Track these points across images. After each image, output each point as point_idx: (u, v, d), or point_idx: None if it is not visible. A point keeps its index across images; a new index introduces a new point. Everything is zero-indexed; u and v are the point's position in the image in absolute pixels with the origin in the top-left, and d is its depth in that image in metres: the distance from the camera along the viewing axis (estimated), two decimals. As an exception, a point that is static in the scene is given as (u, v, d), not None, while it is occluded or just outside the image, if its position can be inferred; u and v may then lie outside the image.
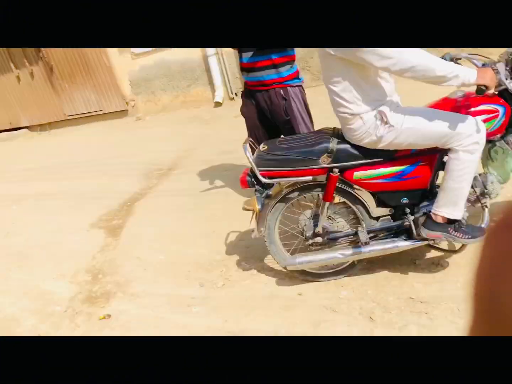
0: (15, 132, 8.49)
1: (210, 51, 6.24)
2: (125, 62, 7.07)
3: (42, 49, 7.40)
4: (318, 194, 2.39)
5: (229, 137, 5.13)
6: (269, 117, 3.08)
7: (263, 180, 2.30)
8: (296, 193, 2.39)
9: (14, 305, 3.00)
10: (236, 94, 6.50)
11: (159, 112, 7.20)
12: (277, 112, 3.01)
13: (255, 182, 2.39)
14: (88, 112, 7.74)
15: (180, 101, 6.99)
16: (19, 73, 7.93)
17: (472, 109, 2.12)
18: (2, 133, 8.58)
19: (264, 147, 2.37)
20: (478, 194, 2.22)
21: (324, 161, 2.19)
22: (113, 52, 7.07)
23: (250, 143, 2.51)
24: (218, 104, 6.50)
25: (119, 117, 7.51)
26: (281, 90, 2.96)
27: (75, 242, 3.69)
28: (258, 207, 2.38)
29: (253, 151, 2.41)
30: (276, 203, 2.42)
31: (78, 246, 3.61)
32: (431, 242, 2.31)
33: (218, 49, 6.27)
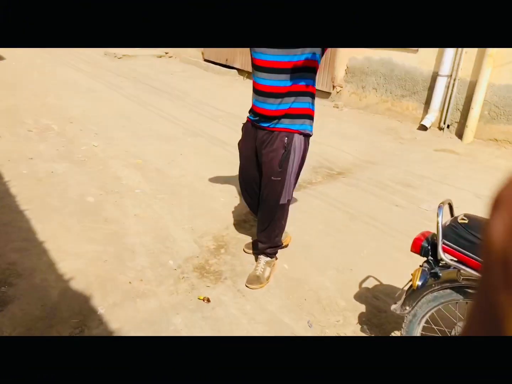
0: (226, 69, 8.91)
1: (444, 70, 5.53)
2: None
3: None
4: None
5: (417, 170, 4.53)
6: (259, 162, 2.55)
7: (443, 256, 1.81)
8: (469, 291, 1.84)
9: (137, 236, 3.02)
10: (448, 127, 5.73)
11: (359, 108, 6.78)
12: (271, 160, 2.44)
13: (430, 253, 1.91)
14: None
15: (385, 107, 6.46)
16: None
17: None
18: (216, 66, 9.09)
19: (464, 220, 1.85)
20: None
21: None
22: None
23: (449, 205, 2.01)
24: (423, 128, 5.82)
25: (319, 96, 7.29)
26: (286, 137, 2.40)
27: (218, 201, 3.61)
28: (418, 282, 1.90)
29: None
30: (441, 290, 1.90)
31: (219, 207, 3.52)
32: None
33: (454, 71, 5.52)
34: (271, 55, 2.26)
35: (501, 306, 0.33)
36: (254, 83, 2.42)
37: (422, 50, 5.85)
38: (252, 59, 2.38)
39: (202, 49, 9.69)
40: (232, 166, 4.30)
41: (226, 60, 9.01)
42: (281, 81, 2.29)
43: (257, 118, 2.46)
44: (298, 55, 2.24)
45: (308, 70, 2.31)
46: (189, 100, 6.76)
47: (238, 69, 8.82)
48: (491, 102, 5.29)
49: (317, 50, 2.28)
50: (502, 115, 5.24)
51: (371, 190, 4.05)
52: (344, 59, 6.90)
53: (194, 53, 9.98)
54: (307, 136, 2.49)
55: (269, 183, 2.47)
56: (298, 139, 2.41)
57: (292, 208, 3.66)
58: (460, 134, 5.56)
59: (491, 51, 5.07)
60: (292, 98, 2.34)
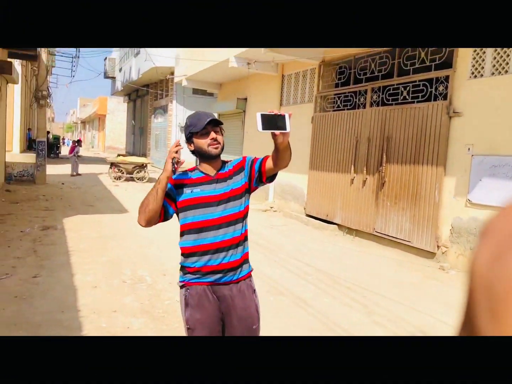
0: (326, 224, 8.94)
1: None
2: (456, 206, 6.36)
3: (384, 163, 7.53)
4: None
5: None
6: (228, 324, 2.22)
7: None
8: None
9: None
10: None
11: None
12: (249, 311, 2.19)
13: None
14: (396, 238, 7.35)
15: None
16: (355, 177, 8.33)
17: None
18: (316, 221, 9.18)
19: None
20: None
21: None
22: (447, 192, 6.50)
23: None
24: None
25: (424, 256, 6.81)
26: (250, 281, 2.26)
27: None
28: None
29: None
30: None
31: None
32: None
33: None
34: (216, 210, 2.19)
35: (484, 331, 0.35)
36: (202, 246, 2.17)
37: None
38: (191, 224, 2.20)
39: (304, 204, 9.98)
40: (312, 332, 3.96)
41: (327, 215, 9.08)
42: (236, 231, 2.20)
43: (218, 276, 2.18)
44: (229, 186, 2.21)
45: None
46: (282, 254, 6.74)
47: (338, 225, 8.78)
48: None
49: (245, 177, 2.23)
50: None
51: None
52: (448, 218, 6.51)
53: (296, 208, 10.29)
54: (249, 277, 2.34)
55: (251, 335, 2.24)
56: (250, 282, 2.30)
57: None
58: None
59: None
60: (246, 241, 2.28)
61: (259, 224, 9.22)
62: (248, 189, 2.26)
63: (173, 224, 2.55)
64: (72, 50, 23.09)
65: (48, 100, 17.99)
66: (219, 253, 2.16)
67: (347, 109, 8.79)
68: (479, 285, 0.35)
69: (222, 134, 2.24)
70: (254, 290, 2.28)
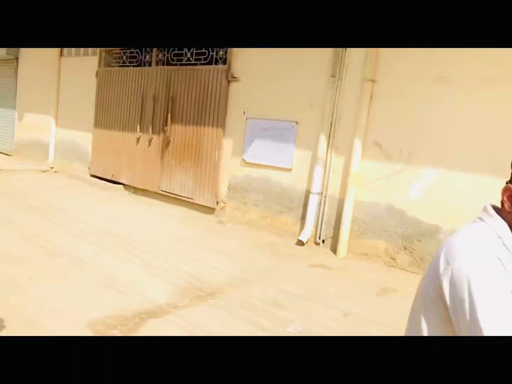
0: (111, 184, 8.69)
1: (315, 188, 5.79)
2: (233, 165, 6.92)
3: (169, 123, 7.65)
4: None
5: (289, 287, 4.40)
6: None
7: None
8: None
9: None
10: (323, 241, 5.85)
11: (242, 223, 6.78)
12: None
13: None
14: (180, 196, 7.63)
15: (266, 222, 6.53)
16: (141, 136, 8.25)
17: None
18: (102, 181, 8.84)
19: None
20: None
21: None
22: (227, 152, 7.01)
23: None
24: (300, 243, 5.88)
25: (205, 212, 7.26)
26: None
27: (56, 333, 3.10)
28: None
29: None
30: None
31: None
32: None
33: (324, 189, 5.80)
34: None
35: None
36: None
37: (295, 169, 6.15)
38: None
39: (89, 164, 9.47)
40: (88, 290, 3.87)
41: (113, 175, 8.82)
42: None
43: None
44: None
45: None
46: (61, 216, 6.32)
47: (124, 185, 8.63)
48: (359, 218, 5.54)
49: None
50: (369, 230, 5.47)
51: (239, 312, 3.80)
52: (226, 176, 7.04)
53: (81, 168, 9.70)
54: None
55: None
56: None
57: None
58: (334, 249, 5.68)
59: (354, 171, 5.43)
60: None
61: (36, 186, 8.41)
62: None
63: None
64: None
65: None
66: None
67: (133, 66, 8.55)
68: None
69: None
70: None
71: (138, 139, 8.29)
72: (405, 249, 5.18)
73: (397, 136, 5.21)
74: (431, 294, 1.10)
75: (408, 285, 4.83)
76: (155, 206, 7.77)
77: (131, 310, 3.66)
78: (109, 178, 8.87)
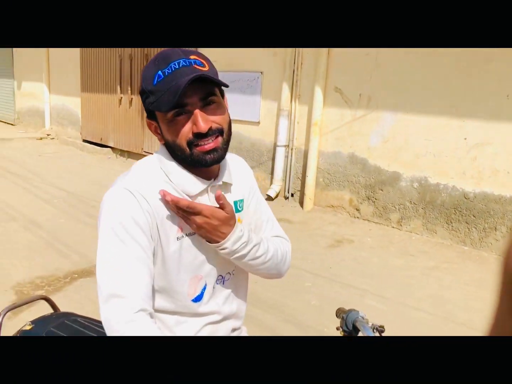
0: (100, 148, 8.72)
1: (281, 140, 5.59)
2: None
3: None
4: None
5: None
6: None
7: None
8: None
9: None
10: (292, 195, 5.70)
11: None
12: None
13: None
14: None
15: (241, 178, 6.40)
16: (122, 97, 8.16)
17: None
18: (92, 145, 8.89)
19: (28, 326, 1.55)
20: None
21: None
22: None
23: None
24: (269, 198, 5.75)
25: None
26: None
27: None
28: None
29: None
30: None
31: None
32: None
33: (290, 141, 5.59)
34: None
35: None
36: None
37: (263, 122, 5.93)
38: None
39: (80, 129, 9.51)
40: (29, 253, 3.91)
41: (101, 139, 8.84)
42: None
43: None
44: None
45: None
46: (36, 182, 6.40)
47: (112, 148, 8.65)
48: (323, 169, 5.33)
49: None
50: (334, 181, 5.27)
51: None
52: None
53: (73, 133, 9.77)
54: None
55: None
56: None
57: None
58: (302, 202, 5.53)
59: (316, 120, 5.18)
60: None
61: (26, 153, 8.54)
62: None
63: None
64: None
65: None
66: None
67: (111, 26, 8.36)
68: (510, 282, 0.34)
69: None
70: None
71: (120, 100, 8.21)
72: (368, 199, 4.97)
73: (356, 80, 4.89)
74: None
75: (367, 235, 4.67)
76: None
77: (65, 270, 3.69)
78: (99, 142, 8.90)
